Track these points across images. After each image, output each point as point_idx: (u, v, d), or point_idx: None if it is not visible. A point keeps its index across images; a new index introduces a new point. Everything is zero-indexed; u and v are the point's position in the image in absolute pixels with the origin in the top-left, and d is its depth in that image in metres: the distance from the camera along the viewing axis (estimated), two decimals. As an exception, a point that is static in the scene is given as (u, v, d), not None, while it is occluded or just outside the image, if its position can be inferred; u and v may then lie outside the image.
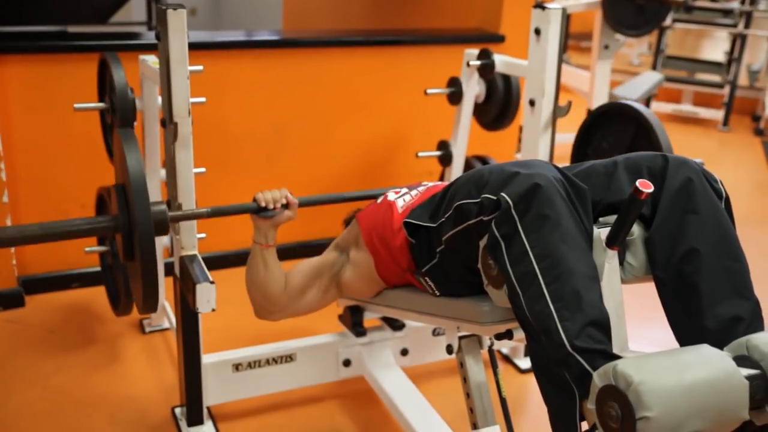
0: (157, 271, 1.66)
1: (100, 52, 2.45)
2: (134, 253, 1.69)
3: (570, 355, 1.29)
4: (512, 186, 1.39)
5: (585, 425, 1.35)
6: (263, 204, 1.86)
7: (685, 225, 1.46)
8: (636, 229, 1.50)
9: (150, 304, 1.73)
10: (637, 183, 1.35)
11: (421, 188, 1.91)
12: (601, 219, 1.54)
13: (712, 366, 1.20)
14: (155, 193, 2.56)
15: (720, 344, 1.35)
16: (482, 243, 1.48)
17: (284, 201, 1.88)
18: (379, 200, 1.94)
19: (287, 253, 3.01)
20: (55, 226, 1.69)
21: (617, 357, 1.28)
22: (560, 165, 1.56)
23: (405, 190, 1.93)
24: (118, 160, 1.78)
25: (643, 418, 1.14)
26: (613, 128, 2.33)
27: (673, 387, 1.15)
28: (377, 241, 1.84)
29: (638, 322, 2.89)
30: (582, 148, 2.43)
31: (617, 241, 1.42)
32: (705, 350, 1.25)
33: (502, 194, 1.39)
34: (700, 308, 1.42)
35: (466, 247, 1.54)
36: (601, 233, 1.44)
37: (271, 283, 1.91)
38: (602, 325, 1.32)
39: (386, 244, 1.81)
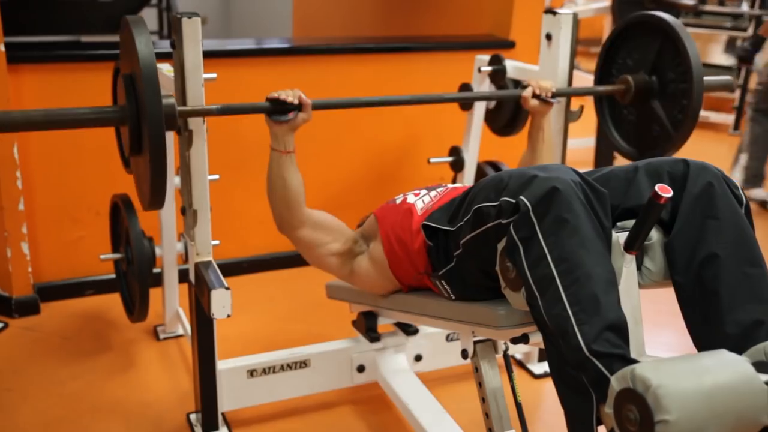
0: (165, 165, 1.60)
1: (114, 61, 2.46)
2: (142, 144, 1.62)
3: (587, 359, 1.29)
4: (531, 189, 1.40)
5: (602, 430, 1.35)
6: (276, 95, 1.85)
7: (705, 230, 1.46)
8: (654, 234, 1.50)
9: (157, 197, 1.67)
10: (656, 188, 1.35)
11: (440, 189, 1.90)
12: (619, 223, 1.54)
13: (731, 371, 1.20)
14: (170, 201, 2.58)
15: (739, 350, 1.34)
16: (500, 246, 1.48)
17: (297, 100, 1.87)
18: (397, 200, 1.94)
19: (293, 261, 3.01)
20: (60, 113, 1.64)
21: (635, 361, 1.27)
22: (581, 170, 1.56)
23: (424, 191, 1.93)
24: (127, 47, 1.69)
25: (661, 421, 1.13)
26: (638, 44, 2.28)
27: (692, 391, 1.15)
28: (395, 242, 1.84)
29: (653, 328, 2.89)
30: (606, 68, 2.39)
31: (635, 245, 1.42)
32: (724, 355, 1.24)
33: (521, 197, 1.39)
34: (720, 313, 1.42)
35: (483, 251, 1.54)
36: (619, 237, 1.44)
37: (292, 191, 1.90)
38: (620, 330, 1.32)
39: (404, 246, 1.81)
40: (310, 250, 1.99)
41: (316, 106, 1.94)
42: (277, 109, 1.88)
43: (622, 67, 2.35)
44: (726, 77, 2.37)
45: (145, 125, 1.60)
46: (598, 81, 2.43)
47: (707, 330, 1.44)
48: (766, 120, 4.73)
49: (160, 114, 1.58)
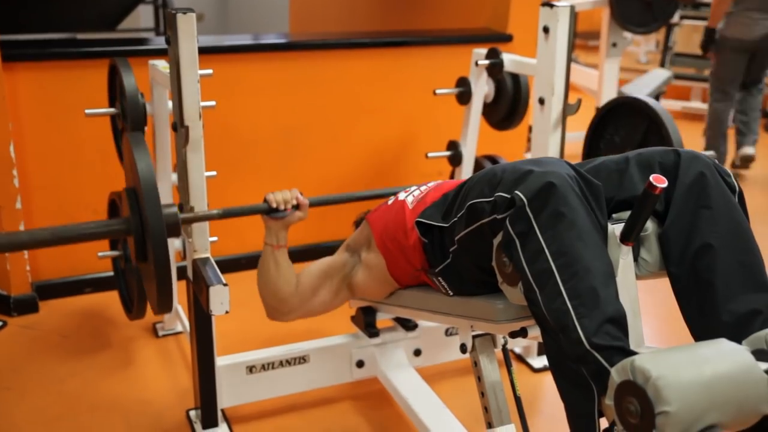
0: (170, 272, 1.68)
1: (109, 58, 2.46)
2: (147, 254, 1.69)
3: (588, 352, 1.28)
4: (526, 184, 1.39)
5: (603, 422, 1.34)
6: (274, 204, 1.87)
7: (698, 220, 1.45)
8: (650, 225, 1.50)
9: (164, 304, 1.74)
10: (651, 178, 1.34)
11: (431, 184, 1.90)
12: (614, 215, 1.54)
13: (730, 360, 1.20)
14: (167, 197, 2.57)
15: (736, 339, 1.34)
16: (496, 241, 1.47)
17: (295, 201, 1.90)
18: (390, 201, 1.94)
19: (297, 255, 3.00)
20: (67, 230, 1.71)
21: (634, 353, 1.27)
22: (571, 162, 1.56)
23: (414, 187, 1.93)
24: (128, 164, 1.79)
25: (662, 412, 1.13)
26: (624, 123, 2.33)
27: (692, 381, 1.15)
28: (389, 243, 1.84)
29: (651, 320, 2.89)
30: (594, 141, 2.43)
31: (631, 236, 1.42)
32: (723, 344, 1.24)
33: (516, 192, 1.39)
34: (716, 303, 1.41)
35: (479, 246, 1.53)
36: (615, 229, 1.44)
37: (283, 284, 1.92)
38: (619, 322, 1.32)
39: (399, 244, 1.81)
40: (311, 314, 2.03)
41: (313, 204, 1.97)
42: (275, 210, 1.90)
43: (609, 143, 2.39)
44: (709, 152, 2.44)
45: (148, 238, 1.68)
46: (586, 155, 2.47)
47: (704, 320, 1.44)
48: (722, 99, 4.88)
49: (162, 229, 1.67)
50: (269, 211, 1.89)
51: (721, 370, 1.18)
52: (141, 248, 1.73)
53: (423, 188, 1.88)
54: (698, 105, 6.54)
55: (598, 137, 2.43)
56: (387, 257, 1.86)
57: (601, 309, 1.30)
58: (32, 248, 1.75)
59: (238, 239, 3.28)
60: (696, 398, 1.14)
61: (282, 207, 1.88)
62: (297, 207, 1.91)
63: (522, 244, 1.38)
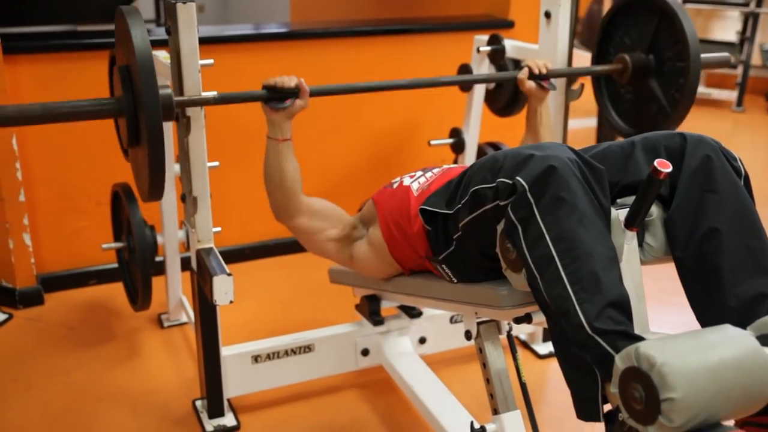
0: (164, 154, 1.59)
1: (110, 50, 2.45)
2: (140, 136, 1.61)
3: (590, 337, 1.28)
4: (527, 169, 1.38)
5: (608, 407, 1.34)
6: (272, 83, 1.84)
7: (704, 204, 1.44)
8: (655, 210, 1.49)
9: (156, 188, 1.66)
10: (656, 163, 1.33)
11: (436, 170, 1.89)
12: (618, 200, 1.53)
13: (736, 345, 1.19)
14: (170, 189, 2.57)
15: (743, 323, 1.33)
16: (499, 228, 1.47)
17: (294, 84, 1.86)
18: (394, 185, 1.93)
19: (295, 246, 3.00)
20: (55, 106, 1.63)
21: (638, 337, 1.27)
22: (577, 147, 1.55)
23: (420, 173, 1.91)
24: (122, 40, 1.68)
25: (667, 399, 1.12)
26: (635, 22, 2.27)
27: (697, 367, 1.14)
28: (393, 227, 1.83)
29: (656, 305, 2.88)
30: (603, 46, 2.38)
31: (636, 221, 1.41)
32: (728, 330, 1.23)
33: (518, 178, 1.38)
34: (722, 288, 1.41)
35: (483, 233, 1.53)
36: (619, 214, 1.43)
37: (290, 180, 1.90)
38: (622, 306, 1.31)
39: (403, 230, 1.80)
40: (308, 237, 1.99)
41: (314, 93, 1.93)
42: (275, 97, 1.87)
43: (620, 45, 2.33)
44: (723, 54, 2.35)
45: (142, 117, 1.59)
46: (596, 60, 2.42)
47: (710, 305, 1.44)
48: None
49: (157, 105, 1.57)
50: (269, 98, 1.85)
51: (726, 356, 1.17)
52: (133, 129, 1.64)
53: (428, 175, 1.87)
54: (702, 89, 6.50)
55: (607, 41, 2.37)
56: (389, 240, 1.85)
57: (602, 293, 1.29)
58: (20, 124, 1.60)
59: (241, 229, 3.28)
60: (701, 384, 1.14)
61: (281, 85, 1.84)
62: (297, 95, 1.88)
63: (524, 230, 1.37)
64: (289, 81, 1.87)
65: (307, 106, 1.90)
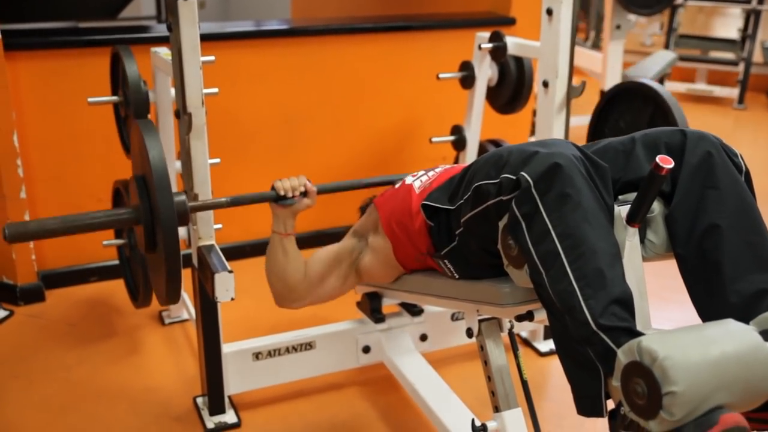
0: (180, 262, 1.66)
1: (112, 46, 2.45)
2: (156, 244, 1.68)
3: (594, 333, 1.28)
4: (532, 165, 1.38)
5: (610, 403, 1.34)
6: (282, 192, 1.87)
7: (705, 200, 1.44)
8: (656, 206, 1.49)
9: (173, 294, 1.73)
10: (658, 159, 1.33)
11: (438, 169, 1.89)
12: (620, 197, 1.53)
13: (737, 340, 1.19)
14: (171, 185, 2.57)
15: (744, 319, 1.33)
16: (501, 223, 1.47)
17: (303, 189, 1.89)
18: (396, 185, 1.94)
19: (304, 242, 3.00)
20: (75, 219, 1.70)
21: (641, 334, 1.27)
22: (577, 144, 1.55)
23: (422, 172, 1.92)
24: (138, 151, 1.76)
25: (669, 393, 1.13)
26: (630, 107, 2.31)
27: (699, 361, 1.15)
28: (396, 227, 1.83)
29: (658, 302, 2.88)
30: (599, 127, 2.41)
31: (638, 218, 1.41)
32: (730, 324, 1.23)
33: (522, 173, 1.38)
34: (723, 284, 1.41)
35: (485, 229, 1.53)
36: (621, 211, 1.43)
37: (291, 271, 1.91)
38: (626, 303, 1.31)
39: (405, 228, 1.80)
40: (320, 300, 2.02)
41: (321, 191, 1.95)
42: (283, 197, 1.89)
43: (614, 128, 2.37)
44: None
45: (158, 227, 1.65)
46: (591, 139, 2.44)
47: (711, 301, 1.44)
48: None
49: (173, 217, 1.64)
50: (277, 199, 1.89)
51: (728, 351, 1.17)
52: (150, 237, 1.72)
53: (431, 173, 1.87)
54: (703, 87, 6.51)
55: (602, 122, 2.41)
56: (393, 241, 1.85)
57: (607, 290, 1.30)
58: (41, 238, 1.74)
59: (242, 227, 3.28)
60: (703, 378, 1.14)
61: (290, 194, 1.88)
62: (305, 194, 1.91)
63: (528, 225, 1.37)
64: (298, 183, 1.89)
65: (314, 204, 1.93)
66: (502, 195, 1.44)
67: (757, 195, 1.51)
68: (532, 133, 3.78)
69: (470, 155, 2.91)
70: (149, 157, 1.65)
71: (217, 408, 2.24)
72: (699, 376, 1.14)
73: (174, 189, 2.57)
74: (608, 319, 1.28)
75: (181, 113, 1.96)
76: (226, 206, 1.92)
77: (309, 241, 3.01)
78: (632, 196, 1.46)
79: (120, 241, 2.67)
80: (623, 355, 1.22)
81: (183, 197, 1.79)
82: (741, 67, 6.32)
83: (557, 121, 2.38)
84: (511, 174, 1.42)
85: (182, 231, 2.67)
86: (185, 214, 1.79)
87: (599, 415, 1.34)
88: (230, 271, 1.90)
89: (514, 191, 1.40)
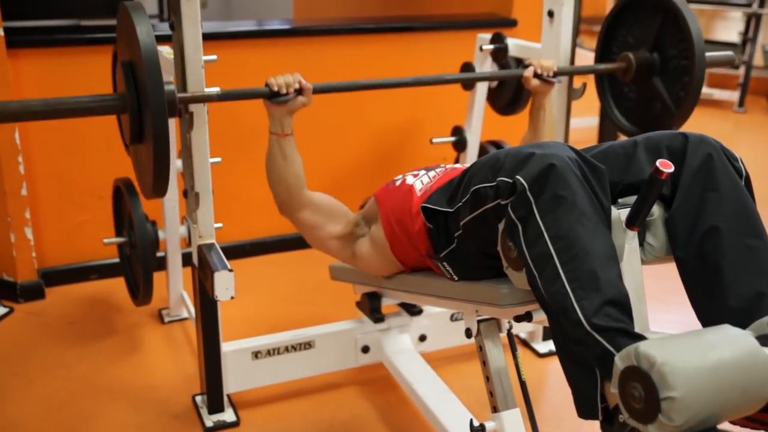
0: (168, 151, 1.59)
1: (113, 44, 2.45)
2: (144, 133, 1.60)
3: (589, 333, 1.28)
4: (527, 168, 1.38)
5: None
6: (275, 88, 1.84)
7: (705, 203, 1.45)
8: (656, 209, 1.50)
9: (160, 186, 1.65)
10: (658, 163, 1.33)
11: (439, 170, 1.89)
12: (620, 200, 1.53)
13: (735, 345, 1.19)
14: (172, 184, 2.58)
15: (743, 323, 1.34)
16: (501, 227, 1.47)
17: (297, 85, 1.86)
18: (397, 182, 1.93)
19: (296, 243, 3.01)
20: (58, 102, 1.62)
21: (638, 335, 1.27)
22: (578, 147, 1.55)
23: (423, 171, 1.92)
24: (125, 34, 1.66)
25: (667, 398, 1.13)
26: (639, 20, 2.25)
27: (697, 367, 1.15)
28: (396, 225, 1.84)
29: (658, 306, 2.89)
30: (607, 46, 2.37)
31: (637, 221, 1.41)
32: (728, 330, 1.24)
33: (518, 176, 1.39)
34: (722, 287, 1.41)
35: (484, 232, 1.53)
36: (620, 214, 1.44)
37: (292, 175, 1.89)
38: (621, 304, 1.31)
39: (405, 228, 1.81)
40: (311, 232, 1.99)
41: (317, 90, 1.93)
42: (277, 94, 1.86)
43: (623, 44, 2.32)
44: (728, 53, 2.34)
45: (147, 114, 1.58)
46: (599, 59, 2.41)
47: (710, 304, 1.44)
48: None
49: (162, 102, 1.55)
50: (271, 96, 1.85)
51: (726, 356, 1.17)
52: (137, 126, 1.63)
53: (432, 174, 1.87)
54: (704, 90, 6.44)
55: (611, 39, 2.36)
56: (391, 238, 1.85)
57: (600, 291, 1.29)
58: (23, 119, 1.62)
59: (243, 225, 3.29)
60: (701, 384, 1.14)
61: (284, 90, 1.84)
62: (300, 92, 1.87)
63: (523, 228, 1.38)
64: (293, 79, 1.86)
65: (309, 102, 1.90)
66: (499, 198, 1.44)
67: (758, 198, 1.51)
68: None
69: (471, 156, 2.92)
70: (138, 39, 1.54)
71: (216, 406, 2.24)
72: (697, 382, 1.14)
73: (175, 189, 2.60)
74: (601, 319, 1.28)
75: (183, 112, 1.96)
76: (216, 100, 1.86)
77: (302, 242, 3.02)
78: (632, 199, 1.46)
79: (120, 240, 2.68)
80: (620, 360, 1.22)
81: (172, 86, 1.71)
82: (741, 71, 6.33)
83: (558, 122, 2.39)
84: (507, 177, 1.42)
85: (182, 229, 2.69)
86: (174, 103, 1.72)
87: (599, 417, 1.35)
88: (230, 270, 1.90)
89: (511, 194, 1.40)
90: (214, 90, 1.88)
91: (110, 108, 1.68)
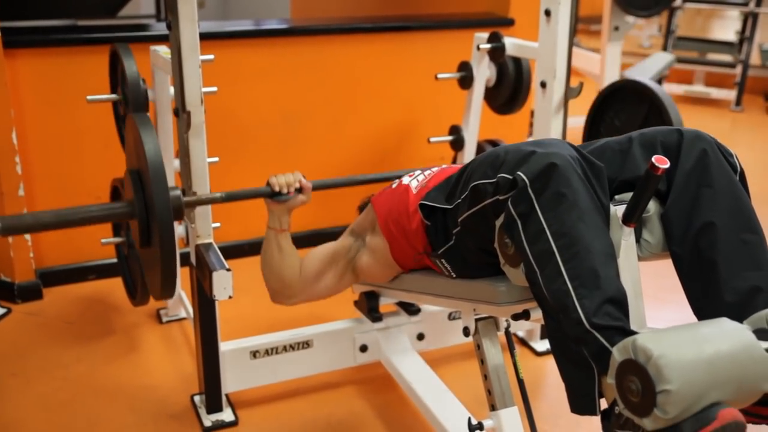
0: (176, 257, 1.66)
1: (111, 44, 2.46)
2: (151, 239, 1.68)
3: (588, 332, 1.29)
4: (528, 165, 1.39)
5: (603, 403, 1.35)
6: (277, 188, 1.87)
7: (700, 199, 1.45)
8: (652, 206, 1.50)
9: (168, 289, 1.73)
10: (653, 159, 1.34)
11: (435, 169, 1.90)
12: (617, 196, 1.54)
13: (731, 339, 1.20)
14: (170, 183, 2.57)
15: (739, 317, 1.34)
16: (498, 222, 1.48)
17: (298, 185, 1.89)
18: (394, 185, 1.94)
19: (301, 241, 3.00)
20: (70, 213, 1.69)
21: (635, 333, 1.27)
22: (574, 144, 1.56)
23: (418, 171, 1.92)
24: (132, 145, 1.76)
25: (663, 391, 1.14)
26: (625, 106, 2.32)
27: (693, 360, 1.15)
28: (393, 226, 1.84)
29: (654, 303, 2.89)
30: (594, 126, 2.42)
31: (633, 217, 1.42)
32: (724, 323, 1.24)
33: (519, 173, 1.39)
34: (718, 282, 1.42)
35: (482, 228, 1.54)
36: (617, 210, 1.44)
37: (287, 268, 1.92)
38: (620, 303, 1.32)
39: (402, 228, 1.81)
40: (318, 294, 2.01)
41: (316, 187, 1.96)
42: (278, 193, 1.89)
43: (610, 126, 2.38)
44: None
45: (154, 221, 1.65)
46: (587, 139, 2.45)
47: (706, 299, 1.45)
48: None
49: (169, 211, 1.63)
50: (272, 195, 1.89)
51: (722, 349, 1.18)
52: (145, 232, 1.71)
53: (427, 173, 1.88)
54: (701, 89, 6.52)
55: (598, 121, 2.42)
56: (390, 241, 1.86)
57: (601, 289, 1.30)
58: (36, 231, 1.74)
59: (240, 225, 3.28)
60: (697, 377, 1.15)
61: (285, 190, 1.88)
62: (300, 190, 1.91)
63: (524, 225, 1.38)
64: (293, 179, 1.89)
65: (309, 201, 1.94)
66: (498, 194, 1.44)
67: (754, 196, 1.51)
68: (530, 133, 3.79)
69: (468, 155, 2.92)
70: (144, 150, 1.63)
71: (214, 406, 2.24)
72: (693, 375, 1.14)
73: (173, 183, 2.59)
74: (602, 318, 1.29)
75: (180, 111, 1.97)
76: (220, 201, 1.92)
77: (305, 240, 3.02)
78: (628, 195, 1.47)
79: (118, 239, 2.68)
80: (618, 353, 1.23)
81: (178, 192, 1.79)
82: (738, 70, 6.33)
83: (555, 121, 2.39)
84: (507, 173, 1.43)
85: (180, 229, 2.69)
86: (180, 209, 1.79)
87: (593, 413, 1.35)
88: (228, 270, 1.91)
89: (510, 191, 1.41)
90: (218, 194, 1.92)
91: (119, 216, 1.76)
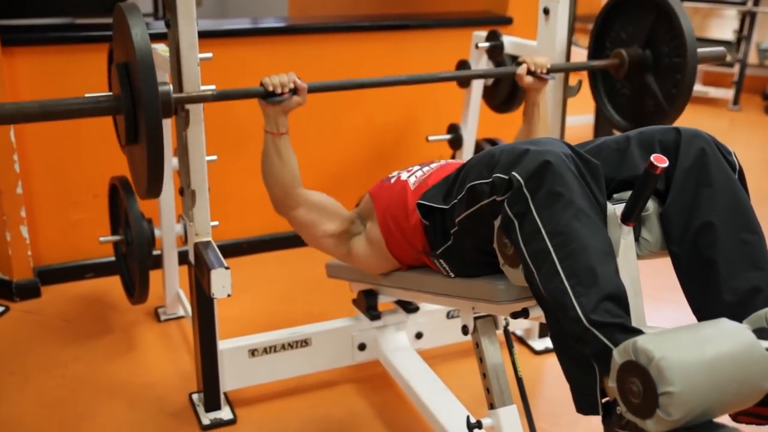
0: (162, 151, 1.59)
1: (108, 42, 2.45)
2: (138, 134, 1.60)
3: (587, 330, 1.28)
4: (523, 164, 1.39)
5: (607, 401, 1.35)
6: (270, 88, 1.83)
7: (699, 198, 1.45)
8: (651, 204, 1.50)
9: (155, 187, 1.65)
10: (652, 158, 1.34)
11: (434, 165, 1.89)
12: (615, 195, 1.53)
13: (732, 339, 1.20)
14: (168, 182, 2.57)
15: (739, 317, 1.34)
16: (497, 223, 1.48)
17: (292, 85, 1.85)
18: (391, 180, 1.93)
19: (292, 241, 3.01)
20: (54, 104, 1.62)
21: (636, 330, 1.27)
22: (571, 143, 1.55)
23: (417, 167, 1.92)
24: (120, 36, 1.66)
25: (665, 393, 1.13)
26: (631, 16, 2.26)
27: (694, 361, 1.15)
28: (390, 221, 1.83)
29: (653, 303, 2.89)
30: (600, 40, 2.37)
31: (632, 216, 1.42)
32: (725, 324, 1.24)
33: (513, 173, 1.39)
34: (717, 282, 1.42)
35: (480, 229, 1.54)
36: (616, 209, 1.44)
37: (287, 174, 1.89)
38: (619, 299, 1.32)
39: (399, 224, 1.81)
40: (307, 230, 1.99)
41: (312, 89, 1.92)
42: (272, 93, 1.86)
43: (616, 40, 2.32)
44: (719, 48, 2.34)
45: (141, 115, 1.58)
46: (592, 55, 2.41)
47: (706, 299, 1.44)
48: None
49: (157, 103, 1.55)
50: (266, 95, 1.84)
51: (723, 350, 1.18)
52: (132, 127, 1.63)
53: (425, 169, 1.87)
54: (698, 88, 6.50)
55: (604, 35, 2.36)
56: (387, 235, 1.85)
57: (599, 287, 1.30)
58: (18, 121, 1.62)
59: (239, 223, 3.29)
60: (699, 378, 1.14)
61: (279, 90, 1.83)
62: (295, 91, 1.87)
63: (520, 225, 1.38)
64: (287, 78, 1.86)
65: (304, 102, 1.89)
66: (495, 195, 1.44)
67: (753, 195, 1.51)
68: (529, 132, 3.79)
69: (467, 154, 2.92)
70: (133, 41, 1.54)
71: (212, 404, 2.24)
72: (695, 377, 1.14)
73: (171, 187, 2.59)
74: (600, 315, 1.28)
75: (179, 110, 1.96)
76: (211, 100, 1.86)
77: (301, 240, 3.02)
78: (627, 194, 1.47)
79: (116, 238, 2.68)
80: (618, 355, 1.22)
81: (168, 87, 1.71)
82: (736, 69, 6.34)
83: (553, 119, 2.39)
84: (502, 173, 1.42)
85: (179, 227, 2.69)
86: (169, 104, 1.71)
87: (597, 413, 1.35)
88: (227, 268, 1.90)
89: (506, 191, 1.40)
90: (209, 89, 1.87)
91: (105, 109, 1.67)
